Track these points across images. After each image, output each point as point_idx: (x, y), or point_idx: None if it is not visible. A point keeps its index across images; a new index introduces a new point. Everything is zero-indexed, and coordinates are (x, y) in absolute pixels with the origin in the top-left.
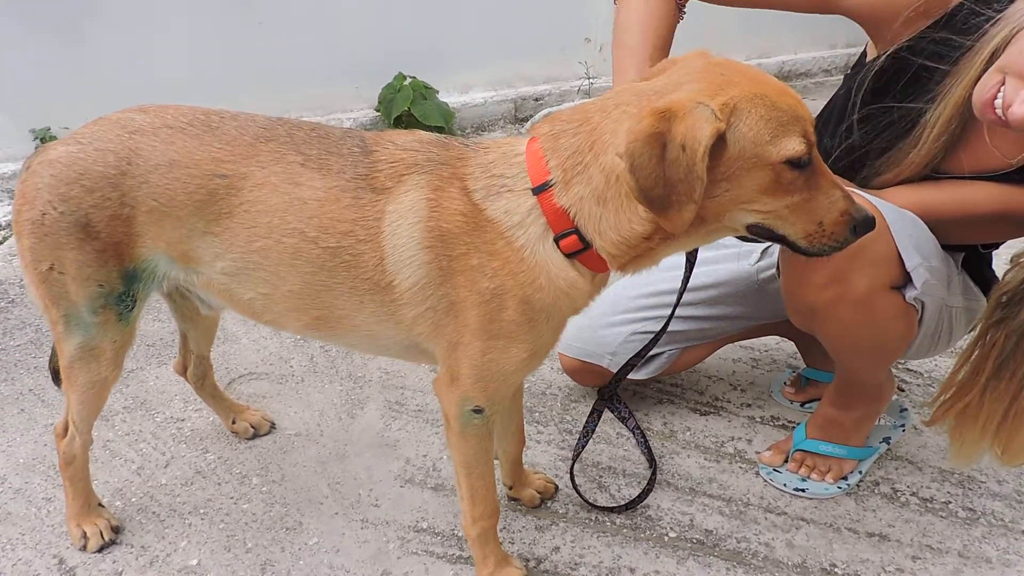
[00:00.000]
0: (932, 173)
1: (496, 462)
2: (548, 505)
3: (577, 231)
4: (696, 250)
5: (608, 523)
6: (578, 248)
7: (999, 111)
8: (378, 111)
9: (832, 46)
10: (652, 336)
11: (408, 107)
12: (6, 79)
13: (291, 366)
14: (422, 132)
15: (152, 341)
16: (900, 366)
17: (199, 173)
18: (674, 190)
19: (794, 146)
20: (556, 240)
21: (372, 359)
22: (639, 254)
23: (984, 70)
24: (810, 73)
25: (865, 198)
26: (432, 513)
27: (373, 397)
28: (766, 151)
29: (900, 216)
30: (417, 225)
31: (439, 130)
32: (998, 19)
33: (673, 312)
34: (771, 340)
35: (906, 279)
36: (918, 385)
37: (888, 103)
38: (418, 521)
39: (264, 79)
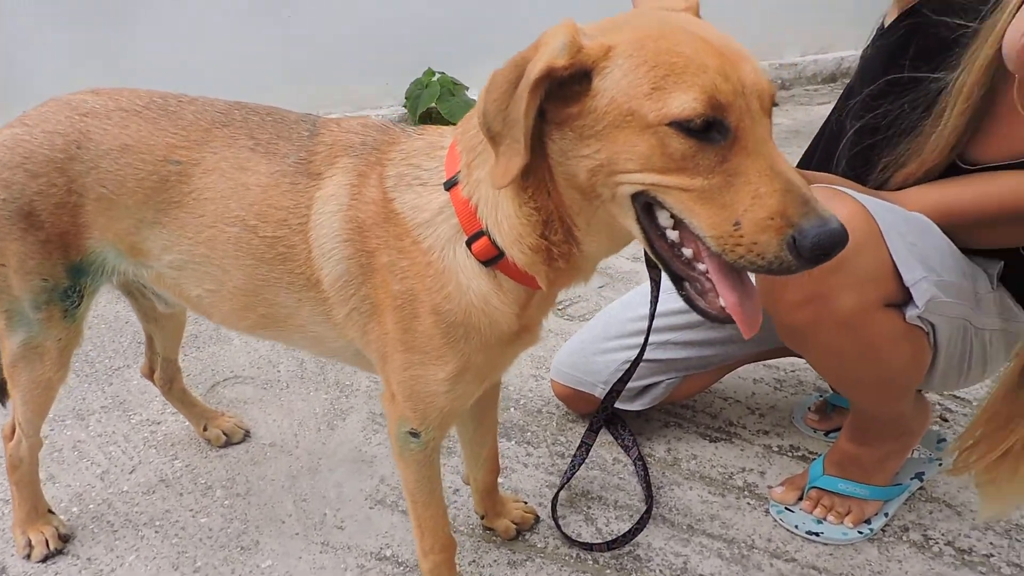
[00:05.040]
0: (958, 161)
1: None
2: (526, 537)
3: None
4: (660, 272)
5: (591, 561)
6: (494, 255)
7: None
8: (406, 107)
9: None
10: (648, 364)
11: (435, 103)
12: (42, 73)
13: (278, 371)
14: (373, 118)
15: (143, 338)
16: (941, 393)
17: (152, 159)
18: (510, 131)
19: (682, 102)
20: (469, 244)
21: None
22: (551, 259)
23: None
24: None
25: (856, 200)
26: (398, 540)
27: (357, 408)
28: (643, 107)
29: (902, 221)
30: (338, 214)
31: None
32: None
33: (646, 341)
34: (799, 359)
35: (908, 296)
36: (964, 415)
37: (907, 73)
38: (382, 548)
39: (294, 74)
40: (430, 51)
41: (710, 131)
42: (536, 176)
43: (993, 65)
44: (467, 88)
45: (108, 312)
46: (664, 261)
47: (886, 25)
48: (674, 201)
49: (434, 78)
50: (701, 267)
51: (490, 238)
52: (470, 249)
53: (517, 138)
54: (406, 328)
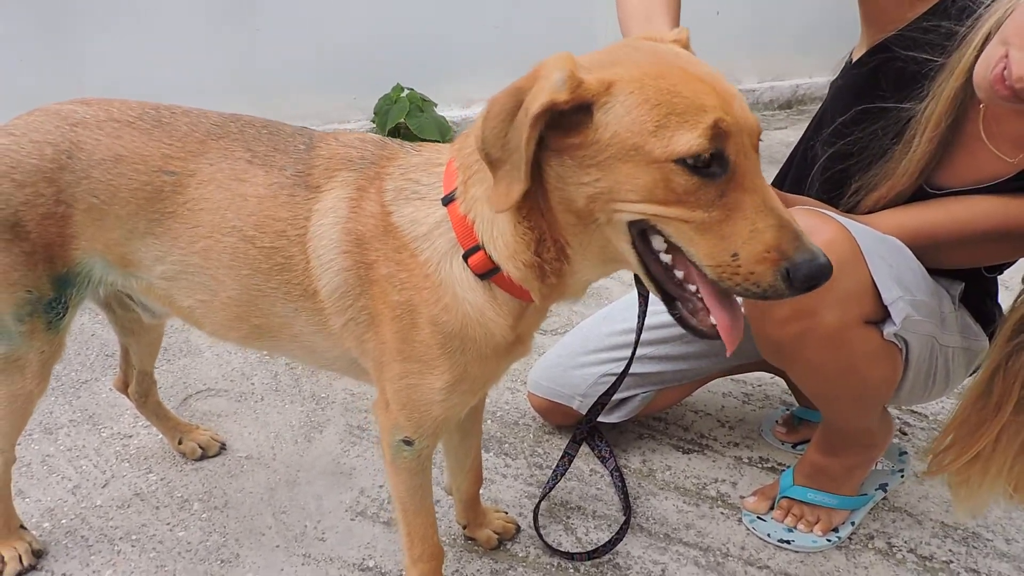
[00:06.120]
0: (925, 187)
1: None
2: (507, 547)
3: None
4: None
5: (571, 570)
6: (489, 268)
7: (1011, 83)
8: (374, 123)
9: None
10: (626, 377)
11: (404, 119)
12: None
13: (252, 383)
14: (371, 134)
15: (111, 350)
16: (902, 407)
17: (146, 169)
18: (509, 157)
19: (688, 140)
20: (465, 257)
21: (338, 378)
22: (543, 275)
23: (978, 57)
24: (824, 97)
25: (840, 222)
26: (380, 551)
27: (334, 420)
28: (647, 143)
29: (880, 243)
30: (336, 226)
31: None
32: (992, 1)
33: (632, 357)
34: (765, 374)
35: (884, 314)
36: (922, 428)
37: (878, 103)
38: (364, 559)
39: (259, 87)
40: (398, 67)
41: (711, 167)
42: (531, 197)
43: (959, 97)
44: (435, 105)
45: (73, 324)
46: (658, 283)
47: (854, 59)
48: (673, 231)
49: (403, 94)
50: (691, 288)
51: (486, 252)
52: (466, 262)
53: (517, 166)
54: (404, 338)
